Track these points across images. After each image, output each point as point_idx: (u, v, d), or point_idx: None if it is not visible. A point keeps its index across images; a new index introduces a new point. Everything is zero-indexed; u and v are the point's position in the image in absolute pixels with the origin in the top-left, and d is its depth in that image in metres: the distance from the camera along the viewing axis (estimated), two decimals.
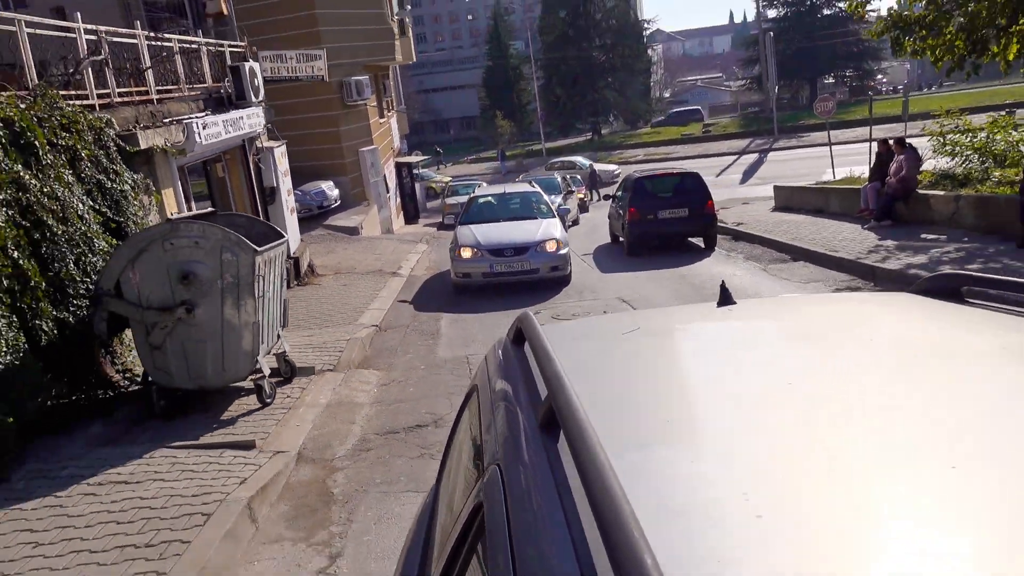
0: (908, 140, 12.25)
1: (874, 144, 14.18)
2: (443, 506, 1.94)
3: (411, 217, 23.71)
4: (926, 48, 11.80)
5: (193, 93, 9.68)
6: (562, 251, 10.29)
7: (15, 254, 5.08)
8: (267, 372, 5.79)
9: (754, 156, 34.04)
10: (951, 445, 0.96)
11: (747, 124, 41.97)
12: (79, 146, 6.09)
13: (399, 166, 23.68)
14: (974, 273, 1.65)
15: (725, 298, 1.84)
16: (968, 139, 11.87)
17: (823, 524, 0.82)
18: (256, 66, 10.96)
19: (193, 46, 9.93)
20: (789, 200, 15.96)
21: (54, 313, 5.33)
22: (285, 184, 11.72)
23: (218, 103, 10.18)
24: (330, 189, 17.22)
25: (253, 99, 10.50)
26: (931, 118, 13.76)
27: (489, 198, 12.93)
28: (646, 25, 53.41)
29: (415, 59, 26.13)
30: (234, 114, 9.84)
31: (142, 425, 5.37)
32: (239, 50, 11.30)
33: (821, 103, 19.36)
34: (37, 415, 4.96)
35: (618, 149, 42.39)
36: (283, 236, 6.39)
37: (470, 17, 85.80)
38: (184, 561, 3.55)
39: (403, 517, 4.00)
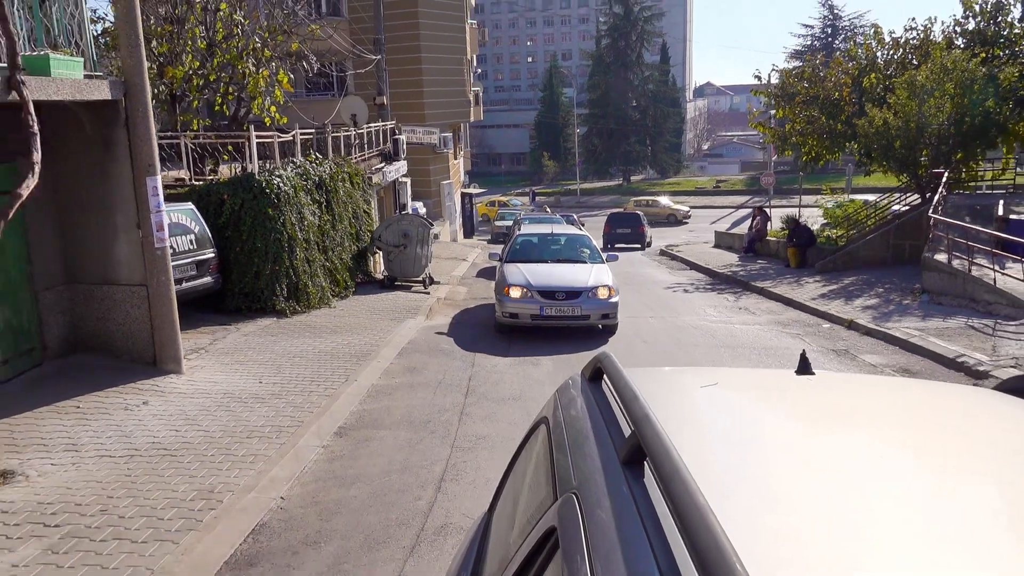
0: (765, 207, 21.72)
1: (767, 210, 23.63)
2: (498, 532, 2.09)
3: (468, 233, 33.57)
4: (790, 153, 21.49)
5: (374, 152, 19.53)
6: (613, 299, 10.40)
7: (334, 231, 14.78)
8: (426, 277, 15.39)
9: (748, 210, 43.32)
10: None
11: (751, 183, 51.28)
12: (357, 181, 15.86)
13: (463, 195, 33.63)
14: None
15: (804, 367, 1.88)
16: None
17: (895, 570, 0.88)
18: (402, 137, 20.88)
19: (375, 127, 19.85)
20: (720, 240, 25.36)
21: (354, 247, 15.00)
22: (410, 203, 21.61)
23: (385, 157, 20.03)
24: (422, 207, 27.11)
25: (402, 155, 20.39)
26: (820, 194, 23.29)
27: (534, 238, 13.01)
28: (688, 86, 63.60)
29: (483, 118, 36.29)
30: (394, 165, 19.71)
31: (387, 289, 14.96)
32: (393, 125, 21.21)
33: (764, 177, 28.84)
34: (352, 283, 14.61)
35: (642, 195, 51.98)
36: (432, 223, 16.07)
37: (530, 59, 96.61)
38: (419, 316, 13.04)
39: (484, 305, 13.43)
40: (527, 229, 14.13)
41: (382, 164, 19.08)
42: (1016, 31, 17.82)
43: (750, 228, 21.72)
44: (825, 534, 1.01)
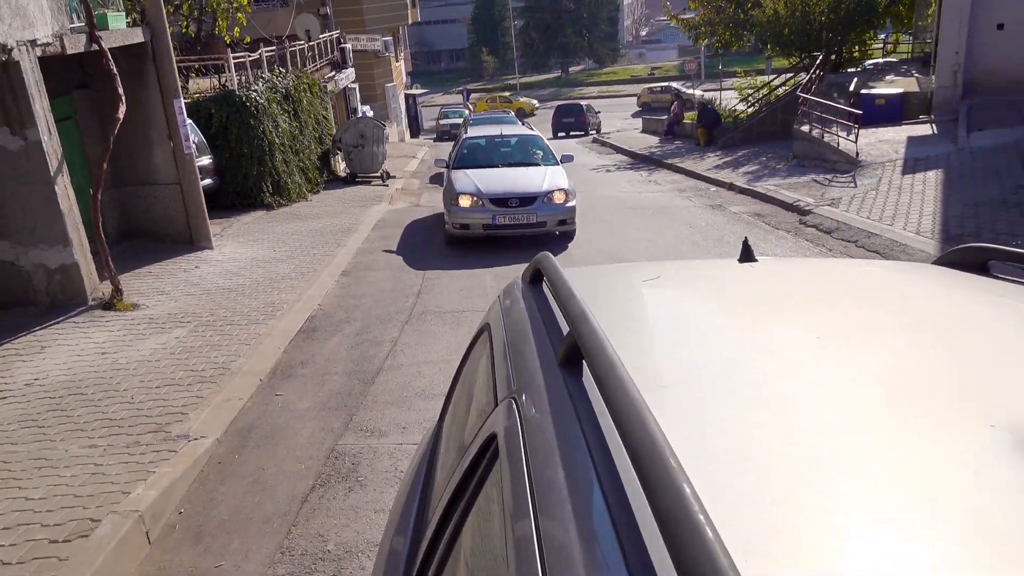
0: (681, 93, 24.48)
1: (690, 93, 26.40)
2: (447, 442, 2.07)
3: (415, 132, 35.67)
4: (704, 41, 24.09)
5: (324, 62, 21.56)
6: (570, 203, 10.18)
7: (302, 136, 17.15)
8: (383, 172, 17.97)
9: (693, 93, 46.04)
10: (966, 405, 1.02)
11: (712, 64, 53.56)
12: (315, 90, 18.10)
13: (407, 96, 35.52)
14: (1000, 247, 1.67)
15: (747, 254, 1.90)
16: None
17: (845, 468, 0.87)
18: (348, 46, 22.86)
19: (323, 38, 21.80)
20: (646, 126, 28.14)
21: (318, 149, 17.42)
22: (360, 107, 23.82)
23: (334, 66, 22.07)
24: (369, 111, 29.18)
25: (349, 63, 22.44)
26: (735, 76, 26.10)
27: (482, 139, 12.49)
28: None
29: (420, 19, 37.71)
30: (344, 72, 21.81)
31: (350, 184, 17.52)
32: (338, 34, 23.12)
33: (688, 64, 31.43)
34: (321, 180, 17.12)
35: (580, 86, 54.12)
36: (385, 124, 18.52)
37: None
38: (383, 203, 15.69)
39: (436, 191, 16.20)
40: (474, 131, 13.51)
41: (333, 73, 21.20)
42: None
43: (669, 113, 24.52)
44: (770, 419, 1.00)
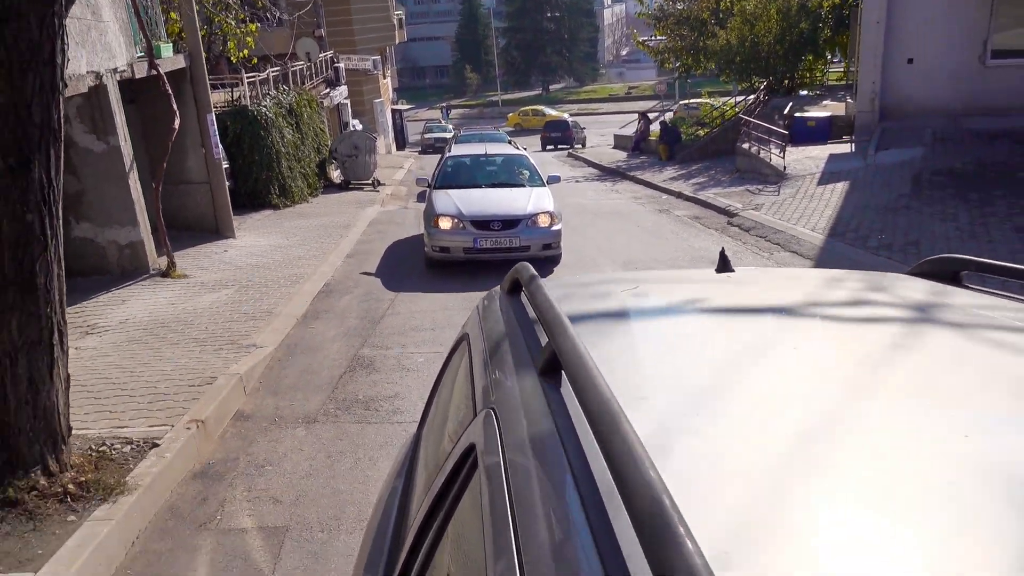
0: (647, 112, 27.00)
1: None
2: (426, 451, 2.10)
3: (400, 145, 38.00)
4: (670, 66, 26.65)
5: (320, 80, 23.84)
6: (555, 227, 10.03)
7: (303, 146, 19.40)
8: (374, 180, 20.22)
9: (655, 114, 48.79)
10: (939, 418, 1.04)
11: (681, 85, 56.46)
12: (314, 106, 20.37)
13: (393, 111, 37.87)
14: (971, 258, 1.72)
15: (724, 264, 1.95)
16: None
17: (823, 477, 0.90)
18: (341, 65, 25.17)
19: (320, 59, 24.10)
20: (617, 142, 30.60)
21: (317, 158, 19.65)
22: (351, 121, 26.11)
23: (328, 83, 24.34)
24: (359, 125, 31.46)
25: (342, 81, 24.73)
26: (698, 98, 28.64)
27: (466, 158, 12.40)
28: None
29: (406, 39, 40.15)
30: (337, 89, 24.11)
31: (345, 190, 19.75)
32: (332, 54, 25.42)
33: (658, 86, 34.04)
34: (319, 185, 19.35)
35: (560, 104, 56.74)
36: (375, 136, 20.79)
37: None
38: (376, 205, 17.92)
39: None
40: (458, 150, 13.39)
41: (328, 90, 23.49)
42: None
43: (635, 131, 27.01)
44: (748, 429, 1.02)
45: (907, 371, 1.22)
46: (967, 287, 1.70)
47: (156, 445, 4.58)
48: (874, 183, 13.69)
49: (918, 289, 1.72)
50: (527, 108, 49.92)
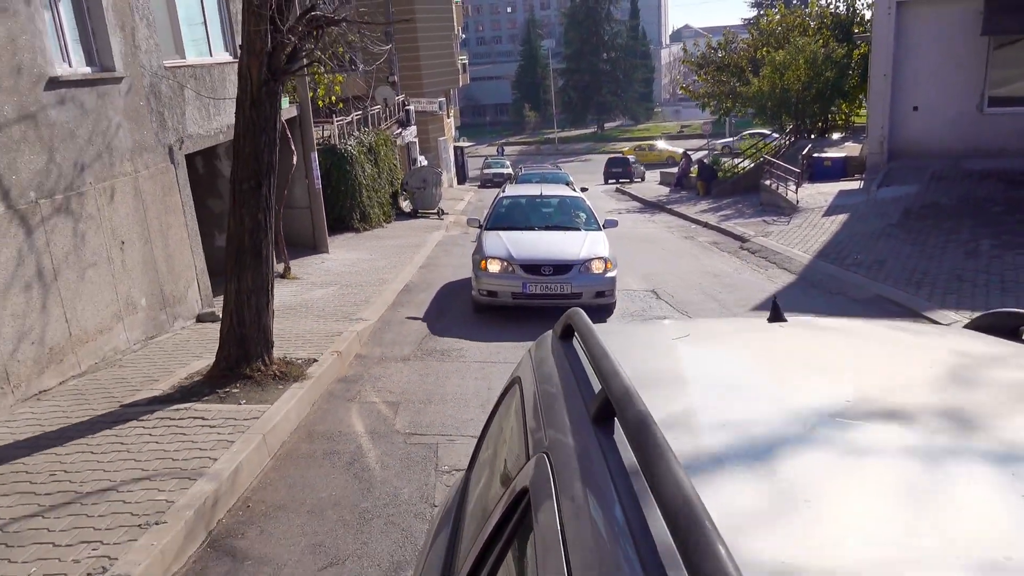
0: (688, 151, 29.63)
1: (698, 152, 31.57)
2: (476, 493, 2.13)
3: (461, 180, 41.34)
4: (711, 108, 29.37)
5: (393, 121, 27.20)
6: (610, 273, 9.74)
7: (379, 179, 22.62)
8: (439, 209, 23.28)
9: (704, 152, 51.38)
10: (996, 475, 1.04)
11: (720, 125, 59.09)
12: (389, 144, 23.64)
13: (455, 148, 41.31)
14: None
15: (776, 314, 1.99)
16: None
17: (878, 530, 0.91)
18: (411, 107, 28.54)
19: (396, 103, 27.50)
20: (663, 179, 33.25)
21: (389, 190, 22.84)
22: (419, 158, 29.42)
23: (400, 124, 27.69)
24: (424, 161, 34.86)
25: (412, 122, 28.07)
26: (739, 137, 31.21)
27: (521, 199, 12.23)
28: (663, 31, 70.97)
29: (469, 83, 43.74)
30: (408, 129, 27.43)
31: (414, 217, 22.85)
32: (403, 98, 28.82)
33: (704, 125, 36.66)
34: (392, 213, 22.50)
35: (614, 141, 59.69)
36: (441, 171, 23.91)
37: (509, 10, 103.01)
38: (441, 230, 20.91)
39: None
40: (512, 191, 13.17)
41: (400, 130, 26.81)
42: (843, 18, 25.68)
43: (678, 168, 29.64)
44: (801, 482, 1.02)
45: (962, 428, 1.20)
46: None
47: (315, 361, 7.45)
48: (869, 215, 16.08)
49: (975, 343, 1.71)
50: (643, 143, 53.47)
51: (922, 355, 1.67)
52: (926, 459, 1.09)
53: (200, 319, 9.77)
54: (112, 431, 5.60)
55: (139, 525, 4.14)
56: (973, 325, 1.88)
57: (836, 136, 26.13)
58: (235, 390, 6.48)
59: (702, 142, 54.54)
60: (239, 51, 11.06)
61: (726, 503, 0.95)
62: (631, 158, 40.55)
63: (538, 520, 1.15)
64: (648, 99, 70.57)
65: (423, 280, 13.21)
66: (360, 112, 22.23)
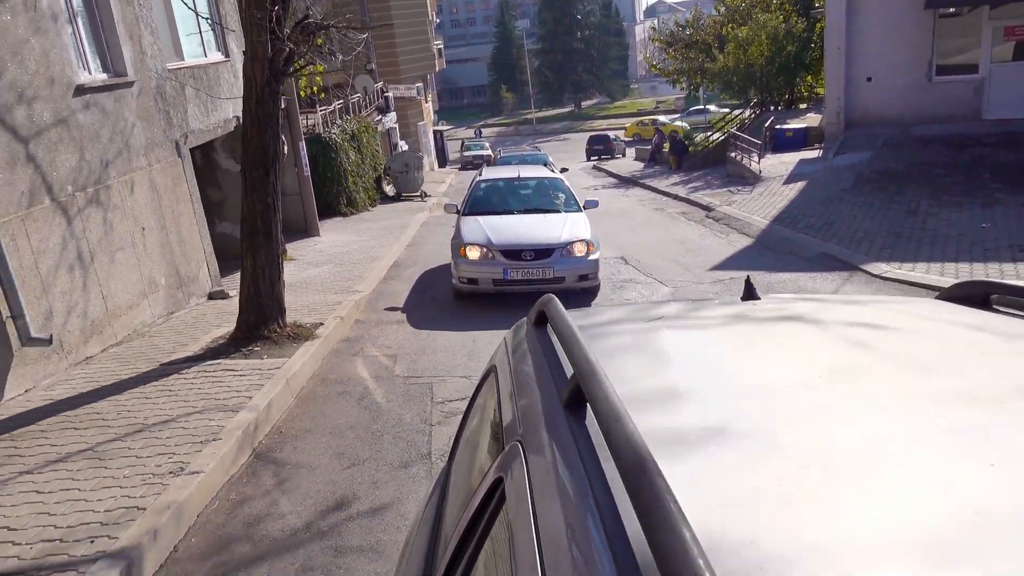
0: (659, 127, 30.80)
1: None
2: (456, 483, 2.15)
3: (442, 163, 42.33)
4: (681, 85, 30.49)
5: (373, 108, 28.15)
6: (592, 256, 9.64)
7: (363, 165, 23.64)
8: (422, 192, 24.34)
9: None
10: (971, 444, 1.05)
11: (688, 103, 60.23)
12: (370, 131, 24.63)
13: (434, 132, 42.26)
14: (1001, 281, 1.77)
15: (750, 292, 2.02)
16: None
17: (852, 512, 0.89)
18: (390, 94, 29.49)
19: (375, 89, 28.44)
20: (639, 155, 34.39)
21: (373, 175, 23.86)
22: (399, 143, 30.42)
23: (380, 110, 28.63)
24: (405, 146, 35.83)
25: (392, 108, 29.02)
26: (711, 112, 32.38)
27: (499, 182, 12.09)
28: (638, 6, 71.94)
29: (445, 67, 44.60)
30: (388, 116, 28.40)
31: (397, 200, 23.90)
32: (382, 85, 29.75)
33: (677, 101, 37.80)
34: (376, 197, 23.55)
35: (591, 119, 60.75)
36: (422, 156, 24.95)
37: None
38: (424, 212, 21.99)
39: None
40: (489, 174, 13.01)
41: (380, 116, 27.77)
42: None
43: (652, 144, 30.79)
44: (776, 463, 1.02)
45: (935, 398, 1.21)
46: (997, 310, 1.72)
47: (321, 325, 8.59)
48: (825, 181, 17.32)
49: (948, 313, 1.74)
50: (645, 119, 54.66)
51: (893, 328, 1.69)
52: (901, 432, 1.10)
53: (211, 296, 10.86)
54: (159, 382, 6.73)
55: (200, 442, 5.28)
56: (945, 295, 1.92)
57: (804, 107, 27.35)
58: (257, 348, 7.61)
59: (677, 116, 55.77)
60: (230, 52, 12.07)
61: (695, 485, 0.95)
62: (612, 135, 42.03)
63: (511, 509, 1.17)
64: (623, 76, 71.70)
65: (410, 257, 14.33)
66: (341, 101, 23.20)
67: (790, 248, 12.74)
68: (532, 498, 1.10)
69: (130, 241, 8.92)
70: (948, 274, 9.96)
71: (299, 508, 4.71)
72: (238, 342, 7.83)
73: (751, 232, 14.55)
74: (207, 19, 10.87)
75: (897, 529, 0.85)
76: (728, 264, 12.10)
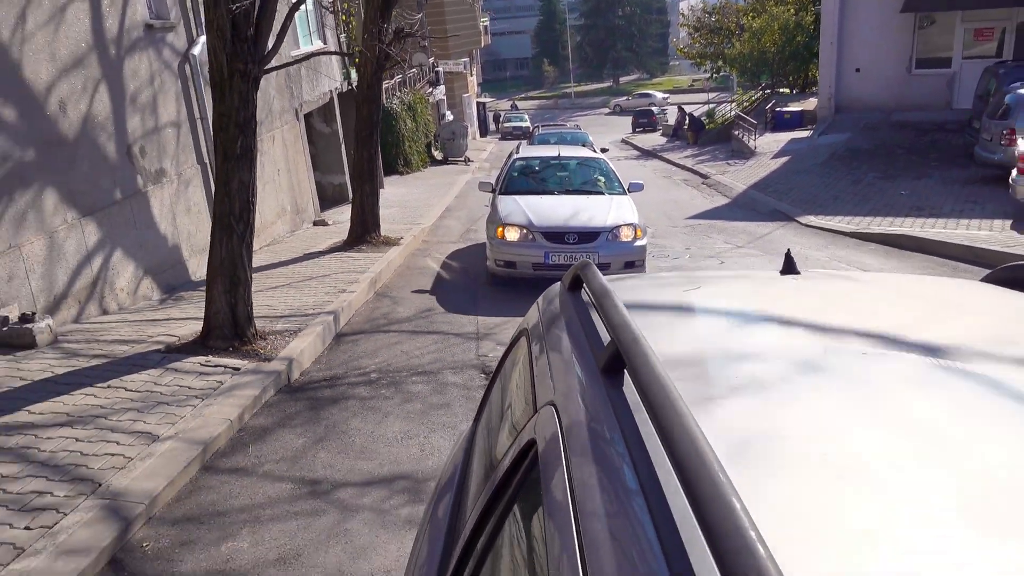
0: (683, 105, 34.52)
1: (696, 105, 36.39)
2: (483, 445, 2.18)
3: (483, 133, 46.49)
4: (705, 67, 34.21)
5: (425, 81, 32.28)
6: (639, 242, 9.27)
7: (417, 132, 27.88)
8: (466, 157, 28.50)
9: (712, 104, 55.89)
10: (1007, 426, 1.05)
11: (721, 81, 63.32)
12: (423, 102, 28.82)
13: (478, 104, 46.37)
14: None
15: (789, 266, 2.01)
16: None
17: (885, 471, 0.92)
18: (440, 69, 33.61)
19: (427, 64, 32.58)
20: (664, 131, 38.13)
21: (424, 140, 28.06)
22: (447, 113, 34.60)
23: (431, 84, 32.75)
24: (451, 116, 40.00)
25: (441, 82, 33.15)
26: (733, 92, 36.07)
27: (537, 161, 11.63)
28: None
29: (490, 43, 48.54)
30: (438, 88, 32.56)
31: (444, 164, 28.07)
32: (433, 60, 33.86)
33: (705, 81, 41.27)
34: (428, 160, 27.79)
35: (626, 95, 64.22)
36: (467, 125, 29.10)
37: None
38: (468, 173, 26.15)
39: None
40: (526, 152, 12.75)
41: (431, 89, 31.95)
42: None
43: (675, 121, 34.57)
44: (820, 437, 1.02)
45: (980, 378, 1.20)
46: None
47: (401, 239, 12.87)
48: (804, 157, 21.14)
49: (993, 296, 1.74)
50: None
51: (937, 307, 1.71)
52: (946, 405, 1.12)
53: (316, 223, 15.22)
54: (310, 261, 11.12)
55: (348, 283, 9.60)
56: (992, 278, 1.92)
57: (814, 90, 30.85)
58: (363, 248, 11.93)
59: (711, 95, 59.03)
60: (326, 40, 16.31)
61: (739, 454, 0.95)
62: (655, 110, 45.99)
63: (545, 472, 1.17)
64: (662, 54, 74.84)
65: (458, 205, 18.57)
66: (400, 76, 27.43)
67: (753, 206, 16.70)
68: (568, 461, 1.10)
69: (272, 178, 13.26)
70: (853, 224, 13.87)
71: (404, 311, 9.03)
72: (350, 245, 12.15)
73: (731, 195, 18.51)
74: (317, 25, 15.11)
75: (953, 507, 0.85)
76: (701, 216, 16.12)
